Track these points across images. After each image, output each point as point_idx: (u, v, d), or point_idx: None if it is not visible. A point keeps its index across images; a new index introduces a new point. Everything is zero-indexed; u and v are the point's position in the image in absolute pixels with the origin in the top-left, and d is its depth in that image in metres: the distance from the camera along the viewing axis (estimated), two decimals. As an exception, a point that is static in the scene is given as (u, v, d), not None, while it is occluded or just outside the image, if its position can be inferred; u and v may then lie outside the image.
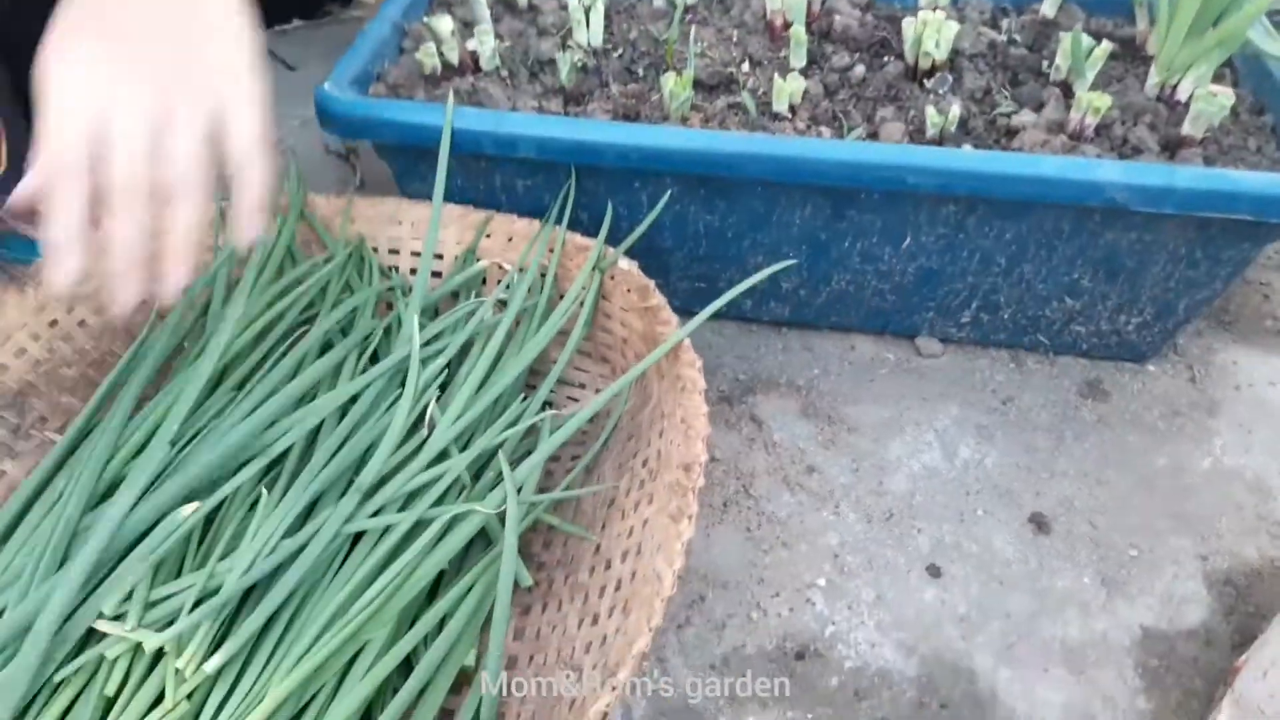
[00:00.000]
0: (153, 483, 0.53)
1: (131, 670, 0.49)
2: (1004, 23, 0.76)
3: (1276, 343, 0.78)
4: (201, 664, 0.48)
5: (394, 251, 0.70)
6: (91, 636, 0.50)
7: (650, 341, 0.63)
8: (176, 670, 0.48)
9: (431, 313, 0.67)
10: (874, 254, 0.68)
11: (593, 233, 0.67)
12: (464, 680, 0.52)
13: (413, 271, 0.70)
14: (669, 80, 0.65)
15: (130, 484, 0.52)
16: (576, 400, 0.70)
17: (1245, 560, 0.63)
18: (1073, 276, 0.68)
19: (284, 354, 0.61)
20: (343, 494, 0.55)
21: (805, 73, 0.71)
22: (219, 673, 0.48)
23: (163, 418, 0.57)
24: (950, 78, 0.69)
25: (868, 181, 0.61)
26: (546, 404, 0.65)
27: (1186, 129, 0.65)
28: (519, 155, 0.63)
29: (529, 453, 0.61)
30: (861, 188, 0.62)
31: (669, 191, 0.66)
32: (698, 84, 0.70)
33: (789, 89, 0.65)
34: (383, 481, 0.55)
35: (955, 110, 0.64)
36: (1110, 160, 0.61)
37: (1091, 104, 0.63)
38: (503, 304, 0.66)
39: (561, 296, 0.67)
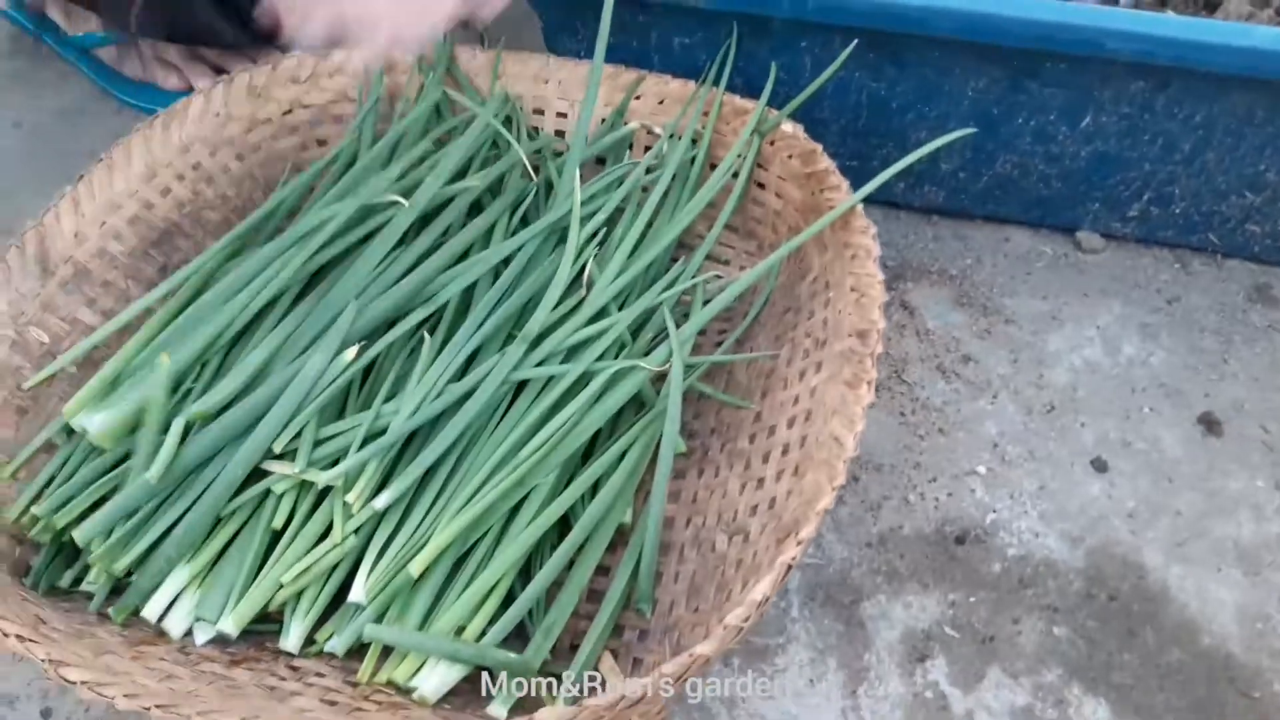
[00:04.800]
0: (320, 333, 0.52)
1: (298, 506, 0.48)
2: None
3: None
4: (369, 500, 0.47)
5: (538, 111, 0.67)
6: (253, 473, 0.49)
7: (809, 212, 0.60)
8: (345, 504, 0.47)
9: (576, 176, 0.65)
10: (1047, 134, 0.64)
11: (747, 98, 0.63)
12: (620, 539, 0.51)
13: (557, 133, 0.67)
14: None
15: (299, 335, 0.51)
16: (720, 277, 0.67)
17: None
18: (1258, 168, 0.63)
19: (437, 212, 0.59)
20: (503, 346, 0.54)
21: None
22: (384, 512, 0.48)
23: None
24: (1148, -57, 0.64)
25: (1062, 45, 0.57)
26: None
27: None
28: (685, 2, 0.60)
29: (681, 321, 0.59)
30: (1052, 53, 0.58)
31: (848, 46, 0.62)
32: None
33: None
34: (544, 335, 0.53)
35: (1157, -24, 0.60)
36: (1336, 31, 0.56)
37: (1313, -29, 0.58)
38: (650, 171, 0.63)
39: (713, 166, 0.64)
